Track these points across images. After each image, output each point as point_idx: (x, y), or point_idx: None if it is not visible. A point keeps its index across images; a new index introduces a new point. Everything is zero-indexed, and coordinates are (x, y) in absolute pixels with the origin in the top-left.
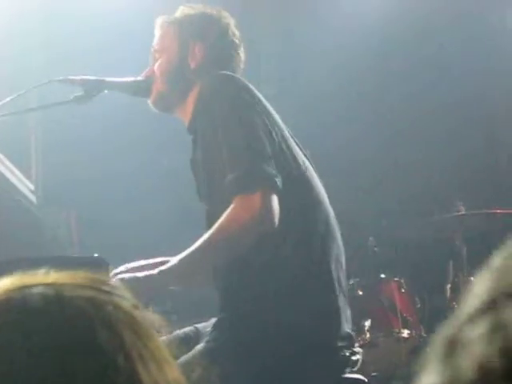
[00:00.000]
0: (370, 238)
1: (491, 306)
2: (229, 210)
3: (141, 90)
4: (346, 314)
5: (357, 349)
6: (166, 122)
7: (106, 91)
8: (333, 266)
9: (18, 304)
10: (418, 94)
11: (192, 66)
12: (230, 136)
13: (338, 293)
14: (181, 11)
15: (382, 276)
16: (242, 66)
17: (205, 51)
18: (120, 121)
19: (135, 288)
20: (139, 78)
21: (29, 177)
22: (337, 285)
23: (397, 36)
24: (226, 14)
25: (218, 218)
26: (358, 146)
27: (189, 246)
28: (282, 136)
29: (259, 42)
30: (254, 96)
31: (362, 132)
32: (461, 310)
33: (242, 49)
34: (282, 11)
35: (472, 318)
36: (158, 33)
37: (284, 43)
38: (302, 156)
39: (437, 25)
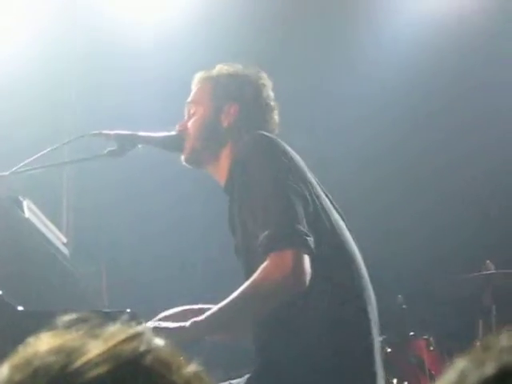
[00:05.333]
0: (399, 296)
1: None
2: (261, 268)
3: (173, 144)
4: (381, 372)
5: None
6: (197, 175)
7: (139, 146)
8: (371, 324)
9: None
10: (449, 152)
11: (224, 124)
12: (263, 197)
13: (375, 350)
14: (219, 69)
15: (411, 334)
16: (276, 128)
17: (238, 111)
18: (152, 177)
19: (167, 338)
20: (172, 133)
21: (60, 228)
22: (375, 343)
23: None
24: (263, 75)
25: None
26: (387, 200)
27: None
28: (316, 197)
29: (287, 92)
30: (290, 158)
31: (391, 188)
32: None
33: (276, 111)
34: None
35: None
36: (195, 87)
37: (313, 93)
38: (336, 214)
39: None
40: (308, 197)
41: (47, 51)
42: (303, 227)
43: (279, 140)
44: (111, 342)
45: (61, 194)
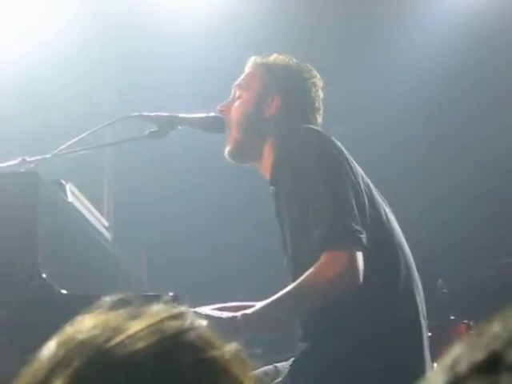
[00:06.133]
0: (439, 280)
1: None
2: (316, 265)
3: (214, 125)
4: (429, 359)
5: None
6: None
7: (179, 127)
8: (420, 312)
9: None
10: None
11: (266, 115)
12: (317, 191)
13: (424, 338)
14: (274, 58)
15: (452, 318)
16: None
17: (280, 104)
18: (191, 160)
19: (218, 327)
20: (212, 114)
21: (101, 212)
22: (423, 331)
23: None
24: (315, 73)
25: (301, 268)
26: (423, 183)
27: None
28: (366, 187)
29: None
30: (339, 150)
31: (433, 172)
32: None
33: (320, 112)
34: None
35: None
36: (246, 70)
37: (350, 81)
38: (383, 203)
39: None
40: (359, 189)
41: (83, 35)
42: (357, 224)
43: (325, 132)
44: (155, 319)
45: (101, 176)
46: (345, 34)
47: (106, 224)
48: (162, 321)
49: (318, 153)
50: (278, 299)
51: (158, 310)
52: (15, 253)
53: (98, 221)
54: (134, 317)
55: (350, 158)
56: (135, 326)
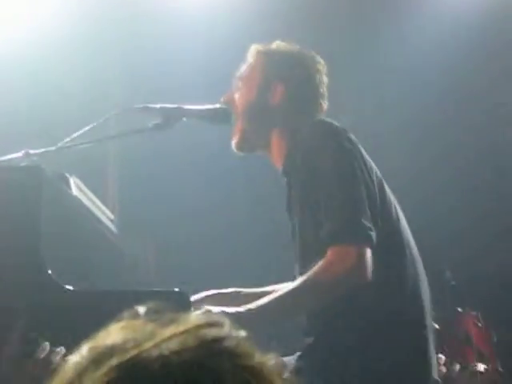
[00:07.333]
0: (447, 272)
1: None
2: (323, 260)
3: (219, 117)
4: (435, 360)
5: None
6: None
7: (184, 119)
8: (426, 313)
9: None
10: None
11: (271, 103)
12: (329, 185)
13: (429, 339)
14: (276, 46)
15: (459, 310)
16: (322, 114)
17: (284, 92)
18: (198, 152)
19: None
20: (217, 106)
21: (106, 204)
22: (429, 331)
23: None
24: (319, 59)
25: (308, 260)
26: (439, 179)
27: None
28: (378, 183)
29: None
30: (353, 144)
31: (442, 166)
32: None
33: (325, 98)
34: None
35: None
36: (248, 60)
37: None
38: (393, 200)
39: None
40: (372, 185)
41: (90, 28)
42: (368, 221)
43: (341, 126)
44: (194, 325)
45: (106, 168)
46: (353, 27)
47: (112, 217)
48: (199, 327)
49: (333, 147)
50: (284, 295)
51: (193, 318)
52: (19, 249)
53: (104, 214)
54: (169, 323)
55: (364, 152)
56: (171, 330)
